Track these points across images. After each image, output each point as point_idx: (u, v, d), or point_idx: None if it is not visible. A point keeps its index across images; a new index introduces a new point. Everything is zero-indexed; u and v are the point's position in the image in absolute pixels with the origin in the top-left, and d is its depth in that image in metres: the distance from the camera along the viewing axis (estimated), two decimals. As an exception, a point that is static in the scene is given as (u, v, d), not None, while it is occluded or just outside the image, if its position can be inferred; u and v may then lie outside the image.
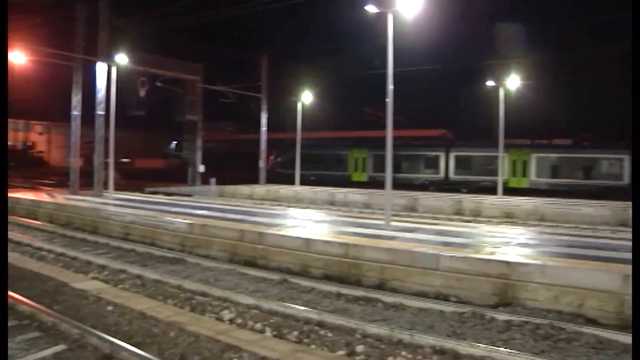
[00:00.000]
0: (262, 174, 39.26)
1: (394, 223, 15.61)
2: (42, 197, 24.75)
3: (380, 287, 10.86)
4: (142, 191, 32.19)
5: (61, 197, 24.28)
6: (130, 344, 6.73)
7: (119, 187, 29.39)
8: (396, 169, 39.35)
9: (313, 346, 7.42)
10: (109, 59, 25.66)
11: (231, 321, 8.46)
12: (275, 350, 6.64)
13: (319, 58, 51.14)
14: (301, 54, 52.83)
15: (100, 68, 25.99)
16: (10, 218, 19.99)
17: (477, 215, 24.24)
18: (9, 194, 21.20)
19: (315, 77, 42.51)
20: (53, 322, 7.76)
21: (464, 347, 7.40)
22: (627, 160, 34.91)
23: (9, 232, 15.09)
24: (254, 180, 38.89)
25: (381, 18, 15.53)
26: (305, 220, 17.18)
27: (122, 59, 25.46)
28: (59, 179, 32.24)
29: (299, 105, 37.83)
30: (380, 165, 32.92)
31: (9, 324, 7.34)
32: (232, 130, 63.98)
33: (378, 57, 15.74)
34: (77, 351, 6.80)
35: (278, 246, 12.96)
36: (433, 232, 14.22)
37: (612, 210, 22.83)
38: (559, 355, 7.42)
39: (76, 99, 26.79)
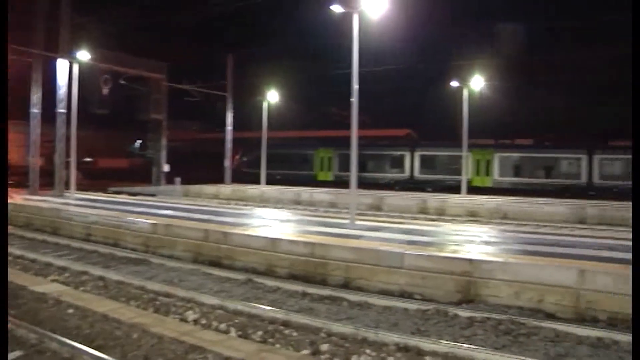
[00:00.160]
0: (228, 174, 39.01)
1: (359, 222, 15.70)
2: None
3: (346, 286, 10.91)
4: (105, 191, 31.62)
5: (20, 198, 23.68)
6: (91, 348, 6.62)
7: (81, 187, 28.80)
8: (362, 168, 39.60)
9: (278, 346, 7.42)
10: (70, 55, 25.10)
11: (195, 322, 8.40)
12: (240, 351, 6.61)
13: (285, 57, 50.94)
14: (267, 53, 52.53)
15: (61, 65, 25.43)
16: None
17: (441, 214, 24.56)
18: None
19: (281, 76, 42.38)
20: (9, 327, 7.57)
21: (427, 344, 7.50)
22: (584, 160, 35.92)
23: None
24: (219, 179, 38.61)
25: (347, 18, 15.60)
26: (271, 219, 17.14)
27: (84, 55, 24.91)
28: (18, 178, 31.37)
29: (265, 105, 37.72)
30: (346, 165, 33.01)
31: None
32: (198, 130, 63.33)
33: (344, 57, 15.77)
34: (34, 357, 6.64)
35: (243, 246, 12.90)
36: (398, 230, 14.34)
37: (570, 208, 23.42)
38: (519, 349, 7.59)
39: (36, 97, 26.14)
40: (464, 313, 9.03)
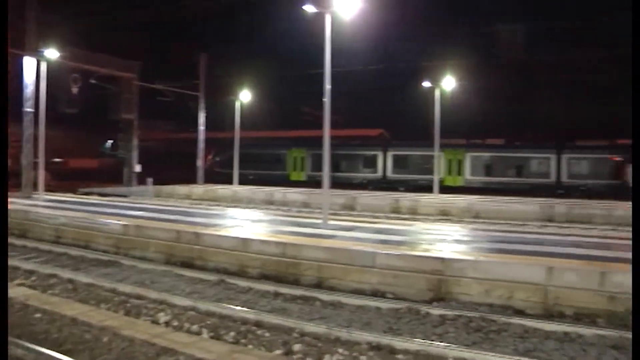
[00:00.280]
0: (200, 174, 38.75)
1: (332, 222, 15.73)
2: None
3: (319, 285, 10.93)
4: (75, 192, 31.12)
5: (-14, 200, 23.11)
6: (59, 352, 6.50)
7: (50, 188, 28.31)
8: (335, 168, 39.71)
9: (250, 346, 7.40)
10: (38, 53, 24.61)
11: (167, 324, 8.32)
12: (212, 352, 6.56)
13: (258, 57, 50.76)
14: (240, 52, 52.27)
15: (29, 63, 24.93)
16: None
17: (414, 213, 24.76)
18: None
19: (254, 76, 42.26)
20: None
21: (399, 342, 7.56)
22: (553, 159, 36.61)
23: None
24: (192, 180, 38.32)
25: (319, 18, 15.62)
26: (243, 220, 17.08)
27: (52, 54, 24.43)
28: (-18, 180, 30.58)
29: (237, 104, 37.56)
30: (319, 165, 33.08)
31: None
32: (171, 129, 62.70)
33: (317, 57, 15.79)
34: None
35: (215, 246, 12.82)
36: (371, 230, 14.42)
37: (540, 206, 23.83)
38: (489, 345, 7.71)
39: (2, 96, 25.54)
40: (435, 311, 9.12)
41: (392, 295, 10.15)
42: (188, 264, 12.95)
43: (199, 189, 34.71)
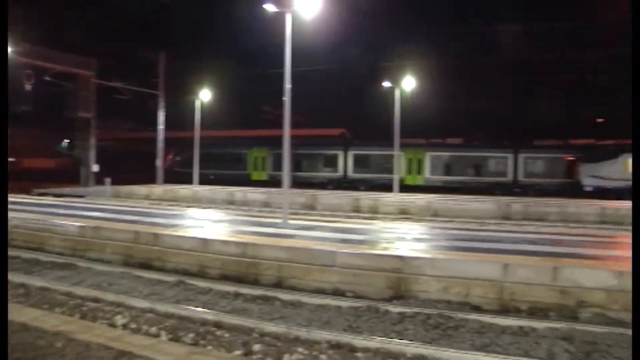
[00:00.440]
0: (160, 174, 38.20)
1: (292, 221, 15.73)
2: None
3: (279, 285, 10.90)
4: (29, 193, 30.26)
5: None
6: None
7: (2, 189, 27.39)
8: (296, 167, 39.74)
9: (209, 347, 7.32)
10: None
11: (125, 326, 8.16)
12: (170, 354, 6.47)
13: (218, 56, 50.40)
14: (200, 51, 51.81)
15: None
16: None
17: (374, 212, 24.94)
18: None
19: (214, 75, 41.96)
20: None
21: (359, 341, 7.60)
22: (510, 158, 37.48)
23: None
24: (151, 180, 37.74)
25: (280, 17, 15.60)
26: (203, 220, 16.92)
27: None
28: None
29: (197, 103, 37.18)
30: (280, 164, 32.94)
31: None
32: (130, 129, 61.65)
33: (278, 56, 15.77)
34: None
35: (175, 247, 12.66)
36: (331, 229, 14.47)
37: (497, 205, 24.32)
38: (447, 341, 7.82)
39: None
40: (395, 309, 9.20)
41: (352, 293, 10.20)
42: (147, 265, 12.75)
43: (158, 189, 34.21)
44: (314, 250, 11.01)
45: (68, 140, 54.54)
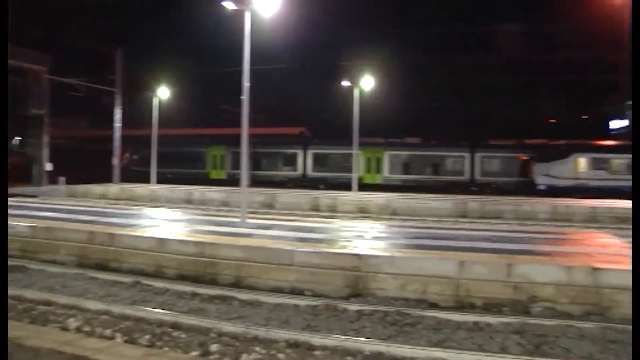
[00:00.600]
0: (117, 172, 37.45)
1: (250, 220, 15.65)
2: None
3: (237, 284, 10.83)
4: (-24, 193, 29.17)
5: None
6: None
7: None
8: (255, 166, 39.55)
9: (166, 349, 7.20)
10: None
11: (78, 329, 7.93)
12: (125, 357, 6.34)
13: (177, 53, 49.74)
14: (159, 48, 51.06)
15: None
16: None
17: (333, 211, 25.03)
18: None
19: (173, 72, 41.36)
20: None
21: (317, 339, 7.61)
22: (467, 158, 38.20)
23: None
24: (108, 179, 36.97)
25: (239, 15, 15.50)
26: (161, 219, 16.69)
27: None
28: None
29: (155, 101, 36.61)
30: (239, 163, 32.78)
31: None
32: (86, 126, 60.12)
33: (237, 54, 15.66)
34: None
35: (131, 247, 12.43)
36: (289, 228, 14.47)
37: (454, 203, 24.74)
38: (404, 338, 7.91)
39: None
40: (352, 307, 9.25)
41: (311, 292, 10.22)
42: (102, 266, 12.48)
43: (114, 188, 33.55)
44: (271, 249, 10.99)
45: (19, 138, 52.90)
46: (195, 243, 11.76)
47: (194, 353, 7.09)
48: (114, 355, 6.33)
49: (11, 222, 14.90)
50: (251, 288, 10.61)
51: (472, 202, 25.29)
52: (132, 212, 19.32)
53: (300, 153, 41.29)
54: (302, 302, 9.62)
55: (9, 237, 13.94)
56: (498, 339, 7.81)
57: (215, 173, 43.12)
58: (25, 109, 33.74)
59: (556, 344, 7.63)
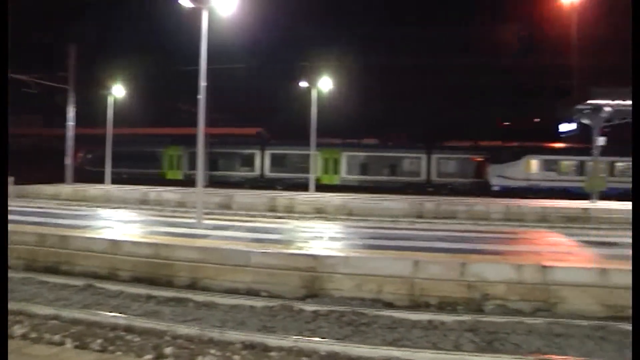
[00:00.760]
0: (70, 172, 36.45)
1: (207, 221, 15.51)
2: None
3: (192, 286, 10.71)
4: None
5: None
6: None
7: None
8: (213, 166, 39.20)
9: (119, 353, 7.08)
10: None
11: (24, 336, 7.65)
12: (76, 363, 6.21)
13: (133, 51, 48.78)
14: (115, 46, 50.01)
15: None
16: None
17: (290, 212, 24.99)
18: None
19: (129, 70, 40.59)
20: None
21: (273, 340, 7.60)
22: (424, 159, 38.79)
23: None
24: (61, 179, 35.97)
25: (197, 13, 15.34)
26: (115, 221, 16.35)
27: None
28: None
29: (110, 100, 35.87)
30: (196, 163, 32.48)
31: None
32: (38, 125, 58.37)
33: (195, 53, 15.49)
34: None
35: (83, 249, 12.12)
36: (245, 229, 14.40)
37: (410, 203, 25.06)
38: (360, 337, 7.98)
39: None
40: (309, 307, 9.26)
41: (267, 293, 10.18)
42: (53, 270, 12.12)
43: (67, 188, 32.68)
44: (227, 250, 10.92)
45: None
46: (150, 244, 11.58)
47: (148, 356, 6.99)
48: (63, 362, 6.18)
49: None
50: (207, 289, 10.50)
51: (428, 202, 25.66)
52: (85, 213, 18.87)
53: (257, 153, 41.15)
54: (258, 303, 9.58)
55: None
56: (452, 337, 7.96)
57: (172, 173, 42.58)
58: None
59: (507, 340, 7.84)
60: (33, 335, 7.70)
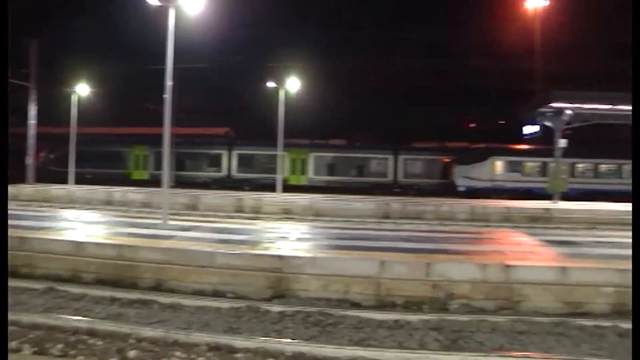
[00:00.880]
0: (31, 172, 35.60)
1: (172, 222, 15.34)
2: None
3: (158, 288, 10.57)
4: None
5: None
6: None
7: None
8: (179, 167, 38.80)
9: (81, 357, 6.94)
10: None
11: (-24, 345, 7.46)
12: (33, 369, 6.06)
13: (98, 49, 47.99)
14: (79, 43, 49.00)
15: None
16: None
17: (257, 212, 24.89)
18: None
19: (94, 69, 39.87)
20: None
21: (239, 341, 7.55)
22: (391, 160, 39.11)
23: None
24: (22, 179, 35.10)
25: (164, 11, 15.18)
26: (78, 222, 16.05)
27: None
28: None
29: (74, 98, 35.17)
30: (162, 163, 32.10)
31: None
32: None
33: (162, 52, 15.31)
34: None
35: (45, 251, 11.83)
36: (212, 229, 14.29)
37: (377, 204, 25.23)
38: (326, 338, 8.00)
39: None
40: (275, 308, 9.24)
41: (233, 294, 10.12)
42: (12, 273, 11.74)
43: (28, 189, 31.90)
44: (193, 251, 10.83)
45: None
46: (114, 246, 11.39)
47: (111, 360, 6.89)
48: (20, 369, 6.02)
49: None
50: (172, 291, 10.38)
51: (395, 203, 25.87)
52: (47, 214, 18.47)
53: (225, 154, 40.88)
54: (224, 304, 9.51)
55: None
56: (417, 336, 8.04)
57: (138, 173, 41.98)
58: None
59: (471, 338, 7.96)
60: (-13, 342, 7.47)
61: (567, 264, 10.01)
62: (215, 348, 7.34)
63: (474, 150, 39.85)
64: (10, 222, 14.93)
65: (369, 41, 55.29)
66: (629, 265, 9.88)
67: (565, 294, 9.37)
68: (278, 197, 28.66)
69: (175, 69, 15.31)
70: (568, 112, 28.85)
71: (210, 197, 27.81)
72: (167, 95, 15.04)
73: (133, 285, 10.76)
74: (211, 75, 48.50)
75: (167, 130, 15.06)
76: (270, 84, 33.93)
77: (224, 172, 40.77)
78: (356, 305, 9.56)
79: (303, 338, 7.94)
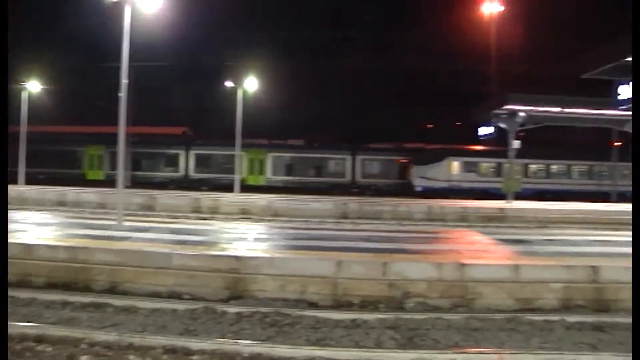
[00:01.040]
0: (-24, 173, 34.45)
1: (127, 223, 15.06)
2: None
3: (112, 290, 10.35)
4: None
5: None
6: None
7: None
8: (136, 166, 38.17)
9: (27, 365, 6.75)
10: None
11: None
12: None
13: (51, 45, 46.79)
14: (30, 38, 47.68)
15: None
16: None
17: (215, 213, 24.68)
18: None
19: (46, 65, 38.82)
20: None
21: (195, 343, 7.46)
22: (349, 160, 39.39)
23: None
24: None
25: (119, 8, 14.91)
26: (29, 223, 15.55)
27: None
28: None
29: (25, 95, 34.17)
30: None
31: None
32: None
33: (118, 49, 15.03)
34: None
35: (-10, 255, 11.46)
36: (168, 230, 14.10)
37: (335, 204, 25.35)
38: (283, 338, 7.98)
39: None
40: (232, 309, 9.16)
41: (189, 296, 9.99)
42: (-50, 280, 11.37)
43: (-26, 189, 30.82)
44: (148, 253, 10.65)
45: None
46: (66, 248, 11.09)
47: (61, 366, 6.71)
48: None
49: None
50: (127, 293, 10.18)
51: (353, 203, 26.04)
52: (-6, 215, 17.83)
53: (182, 153, 40.45)
54: (180, 306, 9.37)
55: None
56: (374, 335, 8.10)
57: (93, 173, 41.10)
58: None
59: (427, 335, 8.07)
60: None
61: (519, 262, 10.26)
62: (171, 350, 7.24)
63: (430, 150, 40.44)
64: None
65: (327, 42, 55.59)
66: (576, 262, 10.32)
67: (517, 291, 9.61)
68: (236, 198, 28.50)
69: (131, 67, 15.08)
70: (521, 114, 29.61)
71: (167, 197, 27.44)
72: (123, 94, 14.81)
73: (86, 288, 10.49)
74: (169, 74, 47.91)
75: (122, 129, 14.82)
76: (229, 84, 33.70)
77: (181, 172, 40.32)
78: (313, 305, 9.56)
79: (260, 339, 7.90)
